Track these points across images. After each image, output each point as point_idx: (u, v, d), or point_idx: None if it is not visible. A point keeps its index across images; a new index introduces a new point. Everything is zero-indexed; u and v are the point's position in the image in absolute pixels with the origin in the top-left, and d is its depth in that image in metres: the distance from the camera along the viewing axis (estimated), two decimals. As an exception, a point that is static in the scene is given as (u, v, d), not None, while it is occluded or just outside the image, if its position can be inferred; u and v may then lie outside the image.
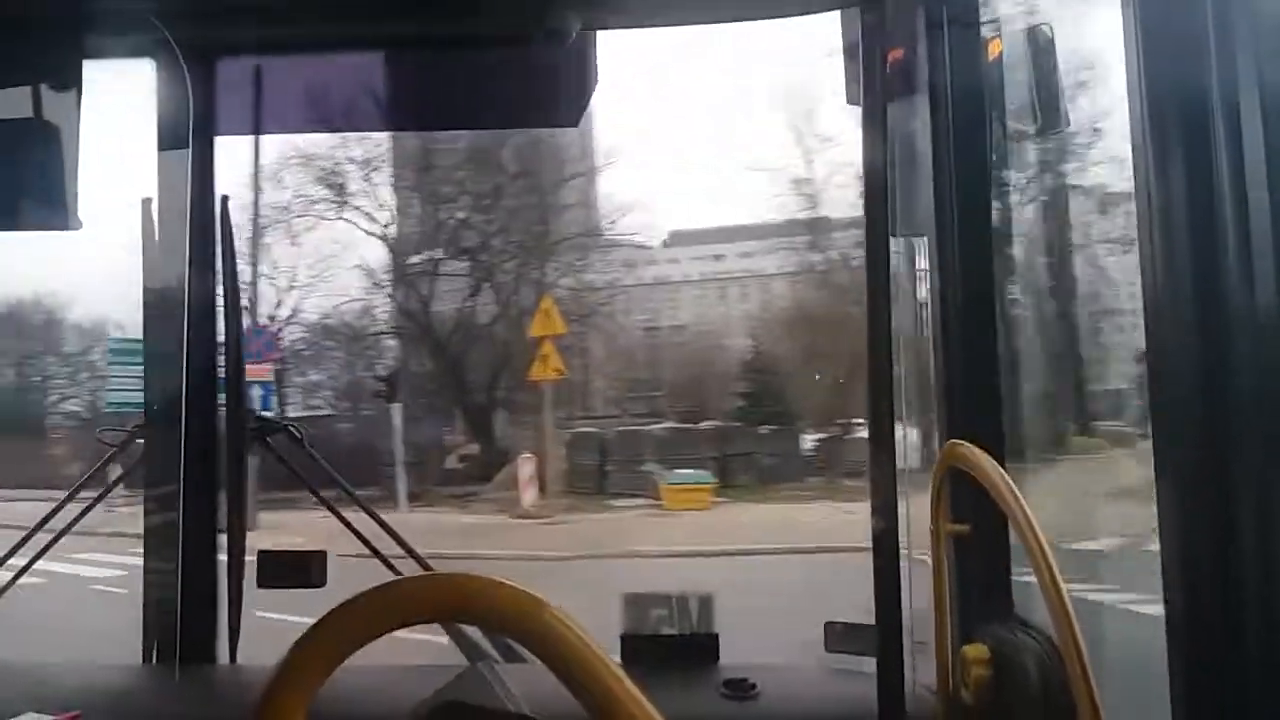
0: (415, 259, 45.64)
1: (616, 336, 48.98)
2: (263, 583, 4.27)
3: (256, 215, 38.05)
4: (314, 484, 4.64)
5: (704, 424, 41.45)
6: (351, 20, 4.33)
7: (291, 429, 4.57)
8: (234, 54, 4.56)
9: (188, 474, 4.32)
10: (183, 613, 4.30)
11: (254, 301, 38.74)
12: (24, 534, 4.49)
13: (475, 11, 4.26)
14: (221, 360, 4.57)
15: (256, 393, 32.94)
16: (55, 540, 4.46)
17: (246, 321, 35.94)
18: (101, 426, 4.64)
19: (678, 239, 54.96)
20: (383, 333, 46.61)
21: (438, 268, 45.61)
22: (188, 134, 4.42)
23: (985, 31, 3.61)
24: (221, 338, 4.55)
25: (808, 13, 4.18)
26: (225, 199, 4.44)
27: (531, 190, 44.54)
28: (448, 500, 37.65)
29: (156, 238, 4.56)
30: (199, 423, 4.36)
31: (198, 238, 4.43)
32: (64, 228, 4.06)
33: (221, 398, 4.57)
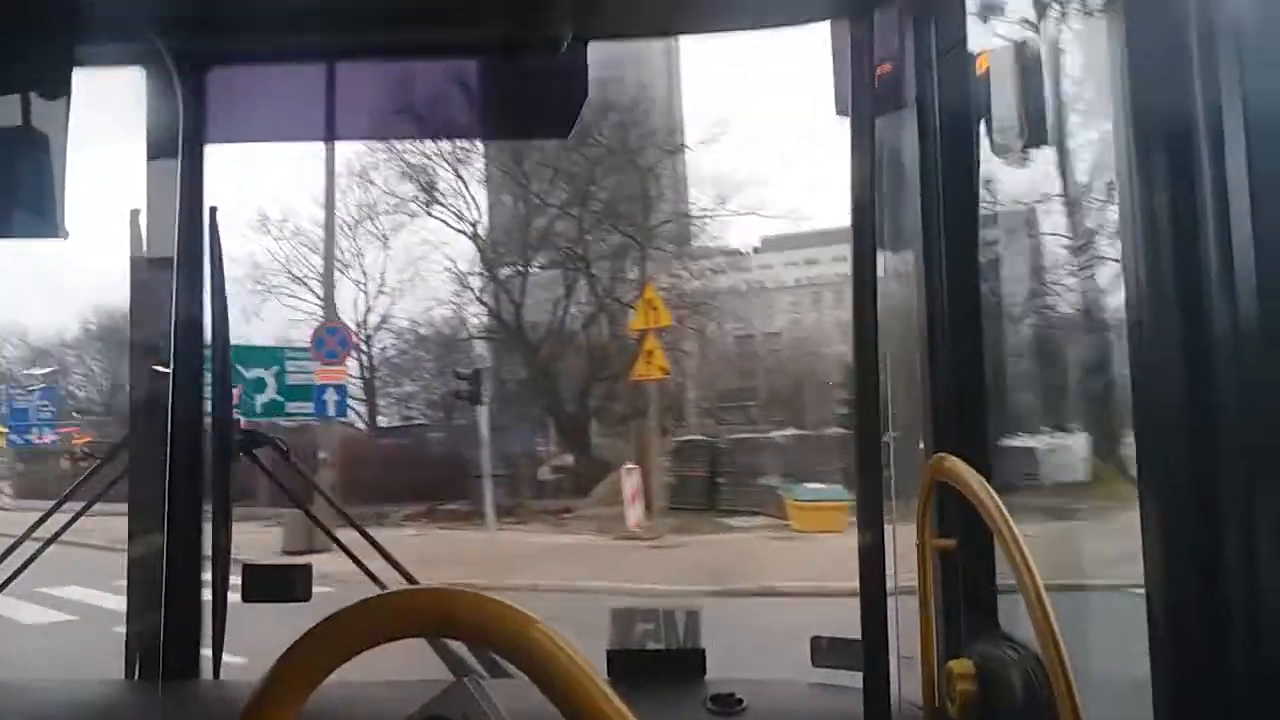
0: (506, 257, 44.78)
1: (713, 343, 48.51)
2: (248, 597, 4.24)
3: (330, 215, 37.67)
4: (310, 498, 4.64)
5: (828, 431, 36.95)
6: (342, 30, 4.34)
7: (277, 442, 4.58)
8: (224, 63, 4.54)
9: (173, 486, 4.30)
10: (166, 628, 4.27)
11: (329, 298, 38.33)
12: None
13: (467, 22, 4.27)
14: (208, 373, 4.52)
15: (331, 396, 31.96)
16: (41, 550, 4.44)
17: (321, 319, 36.06)
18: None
19: (770, 244, 54.89)
20: (473, 337, 45.63)
21: (529, 267, 44.67)
22: (177, 143, 4.43)
23: (973, 46, 3.61)
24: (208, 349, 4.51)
25: (797, 24, 4.21)
26: (214, 210, 4.42)
27: (629, 179, 43.41)
28: (541, 516, 35.70)
29: (145, 248, 4.54)
30: (184, 435, 4.34)
31: (185, 248, 4.42)
32: (52, 236, 4.05)
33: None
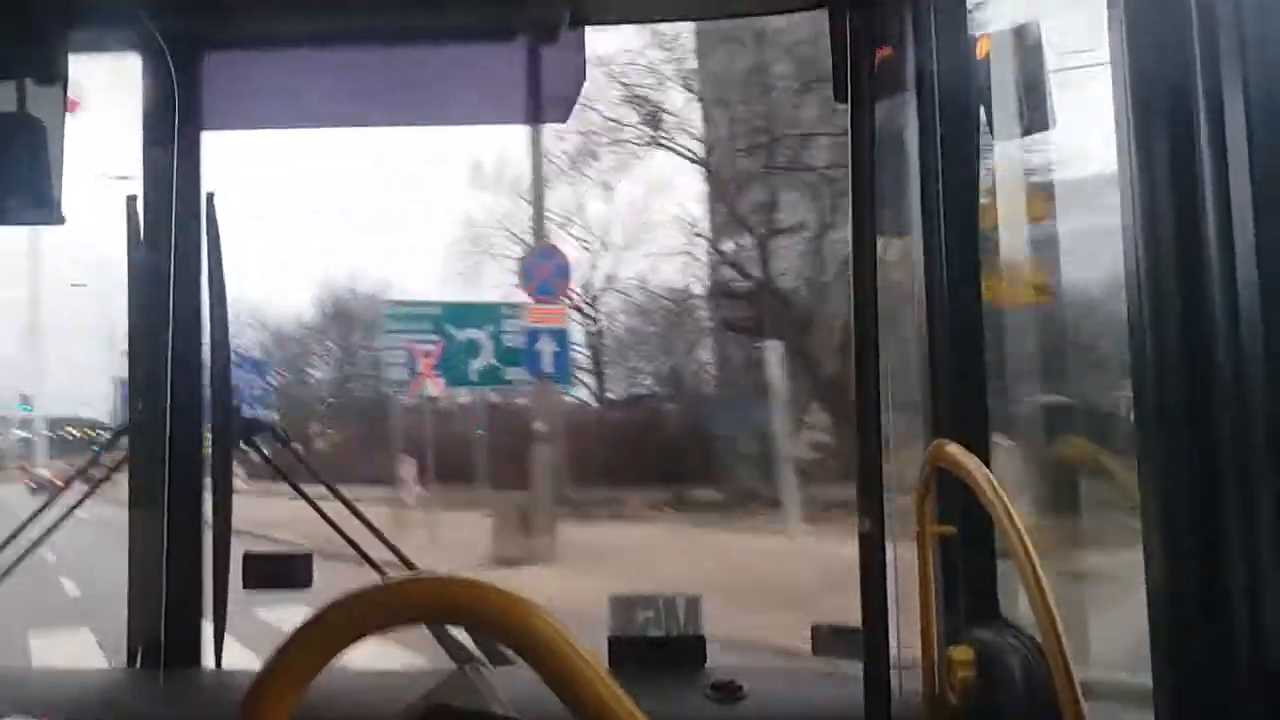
0: (745, 189, 39.48)
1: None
2: (249, 585, 4.28)
3: (537, 151, 33.42)
4: (313, 483, 4.64)
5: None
6: (339, 14, 4.38)
7: (276, 429, 4.62)
8: (219, 49, 4.53)
9: (173, 474, 4.33)
10: (167, 616, 4.28)
11: (539, 214, 33.43)
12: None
13: (464, 6, 4.35)
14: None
15: (547, 347, 26.72)
16: (45, 537, 4.44)
17: (524, 247, 34.39)
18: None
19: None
20: (709, 294, 40.67)
21: (776, 203, 39.09)
22: (173, 129, 4.42)
23: (973, 30, 3.63)
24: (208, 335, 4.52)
25: (798, 10, 4.24)
26: (210, 195, 4.44)
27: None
28: (835, 515, 26.69)
29: (142, 235, 4.49)
30: (184, 422, 4.36)
31: (181, 234, 4.43)
32: (50, 222, 4.09)
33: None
